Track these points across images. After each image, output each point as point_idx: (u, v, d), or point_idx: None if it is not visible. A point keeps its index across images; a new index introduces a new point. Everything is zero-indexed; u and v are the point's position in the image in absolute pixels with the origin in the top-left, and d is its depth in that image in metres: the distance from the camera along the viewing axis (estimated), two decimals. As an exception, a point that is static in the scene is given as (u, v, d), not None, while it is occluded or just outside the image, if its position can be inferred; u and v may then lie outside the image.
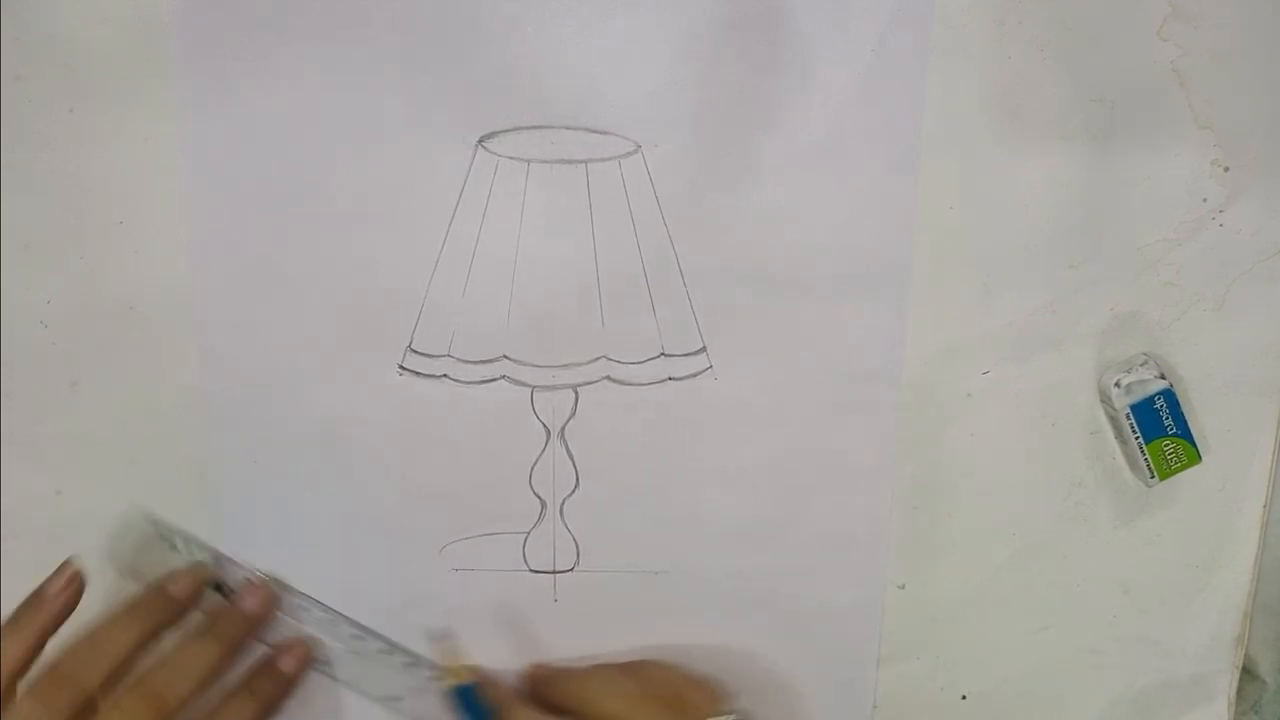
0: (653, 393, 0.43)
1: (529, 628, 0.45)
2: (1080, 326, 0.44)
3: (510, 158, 0.41)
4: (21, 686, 0.38)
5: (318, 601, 0.44)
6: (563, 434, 0.43)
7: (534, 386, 0.43)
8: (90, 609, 0.43)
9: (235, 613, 0.43)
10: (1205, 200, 0.42)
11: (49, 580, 0.40)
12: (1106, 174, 0.42)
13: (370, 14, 0.39)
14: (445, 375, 0.43)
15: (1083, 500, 0.45)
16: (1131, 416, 0.43)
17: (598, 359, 0.43)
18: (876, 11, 0.40)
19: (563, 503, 0.44)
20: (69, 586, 0.40)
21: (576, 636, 0.45)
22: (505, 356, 0.42)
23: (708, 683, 0.43)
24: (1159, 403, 0.43)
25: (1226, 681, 0.48)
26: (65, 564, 0.40)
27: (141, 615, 0.40)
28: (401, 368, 0.42)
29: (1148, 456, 0.44)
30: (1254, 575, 0.47)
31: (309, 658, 0.44)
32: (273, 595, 0.44)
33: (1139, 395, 0.43)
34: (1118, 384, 0.43)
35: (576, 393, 0.43)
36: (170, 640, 0.41)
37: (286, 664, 0.43)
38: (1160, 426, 0.43)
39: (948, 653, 0.47)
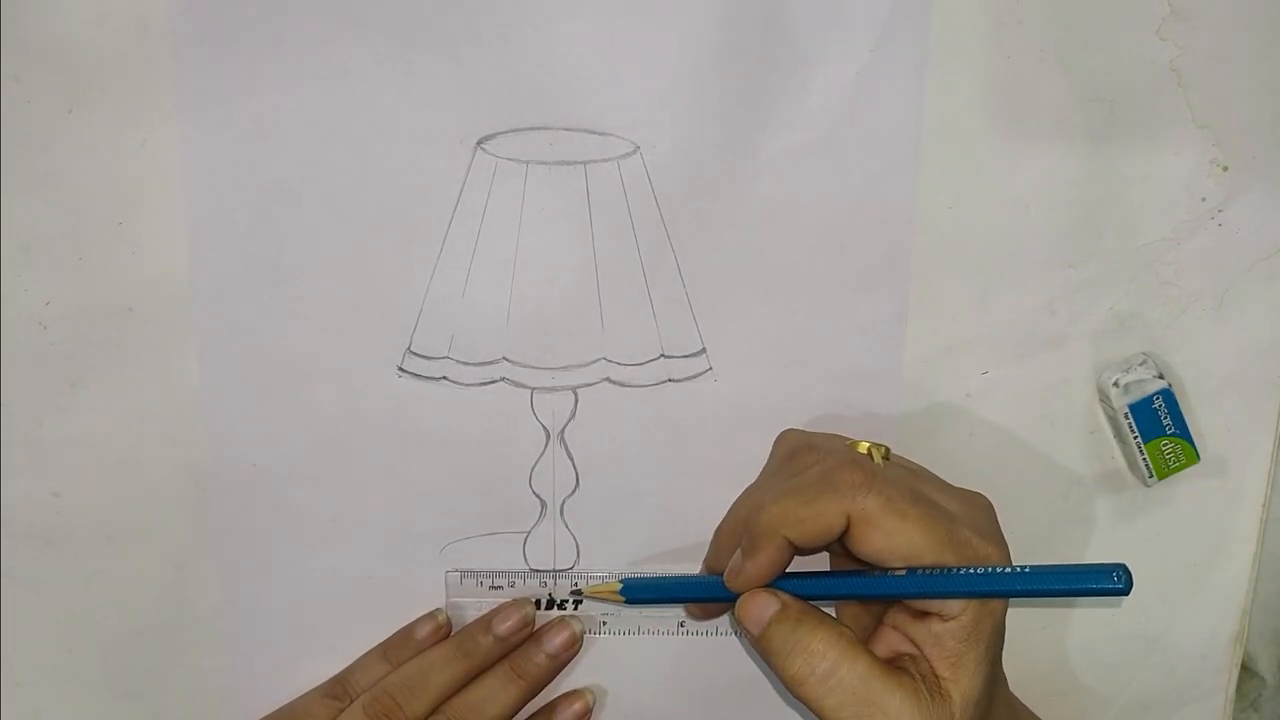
0: (653, 394, 0.43)
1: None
2: (1079, 326, 0.44)
3: (509, 159, 0.41)
4: (359, 701, 0.42)
5: None
6: (563, 435, 0.43)
7: (534, 388, 0.43)
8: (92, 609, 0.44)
9: (540, 652, 0.43)
10: (1204, 200, 0.42)
11: (420, 623, 0.44)
12: (1105, 173, 0.42)
13: (369, 15, 0.39)
14: (444, 377, 0.43)
15: (1081, 500, 0.45)
16: (1130, 416, 0.43)
17: (597, 361, 0.43)
18: (875, 11, 0.40)
19: (563, 503, 0.44)
20: (436, 634, 0.44)
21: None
22: (505, 358, 0.42)
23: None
24: (1157, 402, 0.43)
25: (1225, 679, 0.48)
26: (436, 613, 0.44)
27: (468, 652, 0.42)
28: (401, 370, 0.42)
29: (1146, 456, 0.44)
30: (1253, 573, 0.47)
31: (576, 639, 0.44)
32: (577, 636, 0.44)
33: (1137, 395, 0.43)
34: (1116, 384, 0.43)
35: (576, 394, 0.43)
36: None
37: (552, 645, 0.43)
38: (1159, 426, 0.43)
39: (947, 651, 0.47)
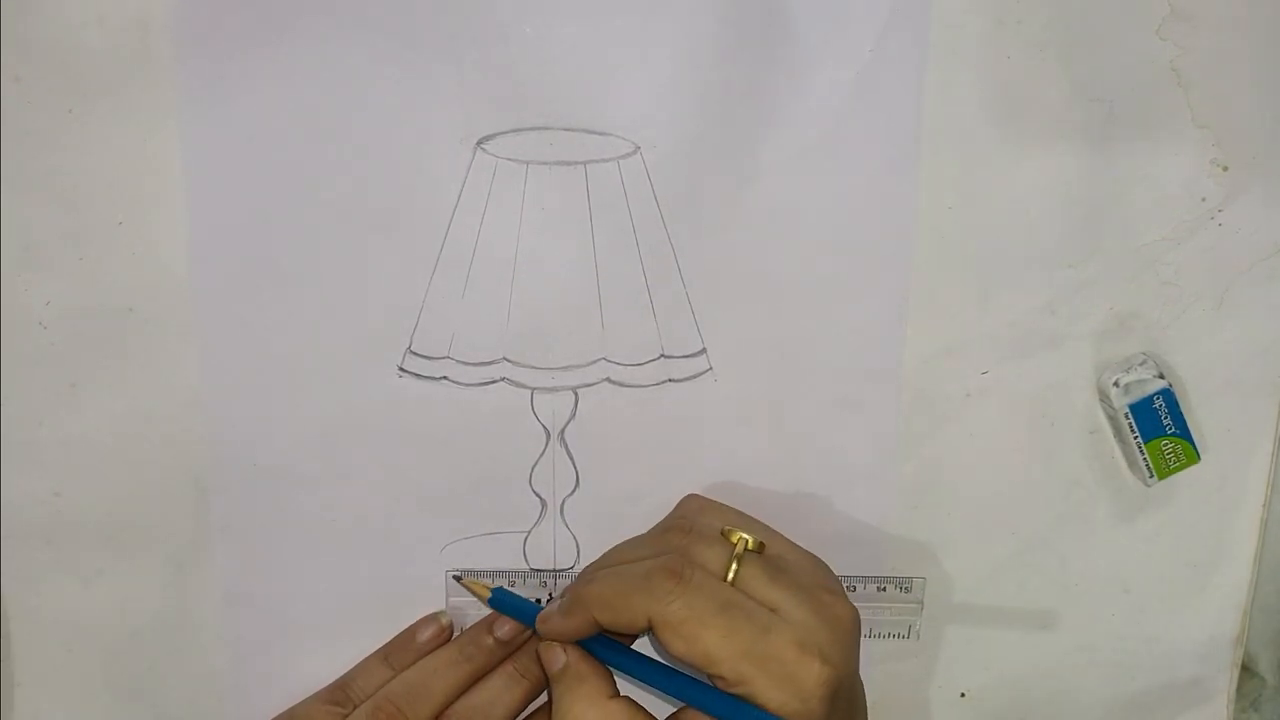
0: (653, 394, 0.43)
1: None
2: (1079, 326, 0.44)
3: (509, 159, 0.41)
4: (362, 709, 0.41)
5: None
6: (563, 435, 0.43)
7: (534, 388, 0.43)
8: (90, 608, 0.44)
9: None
10: (1204, 200, 0.42)
11: (422, 626, 0.44)
12: (1105, 173, 0.42)
13: (369, 15, 0.39)
14: (445, 377, 0.43)
15: (1081, 500, 0.45)
16: (1130, 416, 0.43)
17: (597, 361, 0.43)
18: (875, 11, 0.40)
19: (563, 502, 0.44)
20: (438, 636, 0.44)
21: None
22: (505, 359, 0.43)
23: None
24: (1158, 402, 0.43)
25: (1226, 680, 0.48)
26: (439, 615, 0.44)
27: (470, 655, 0.43)
28: (401, 370, 0.42)
29: (1146, 456, 0.44)
30: (1253, 574, 0.47)
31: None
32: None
33: (1138, 395, 0.43)
34: (1116, 383, 0.43)
35: (576, 395, 0.43)
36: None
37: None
38: (1159, 426, 0.43)
39: (946, 651, 0.47)
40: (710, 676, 0.37)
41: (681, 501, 0.44)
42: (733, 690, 0.36)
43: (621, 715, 0.37)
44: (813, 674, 0.36)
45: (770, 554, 0.39)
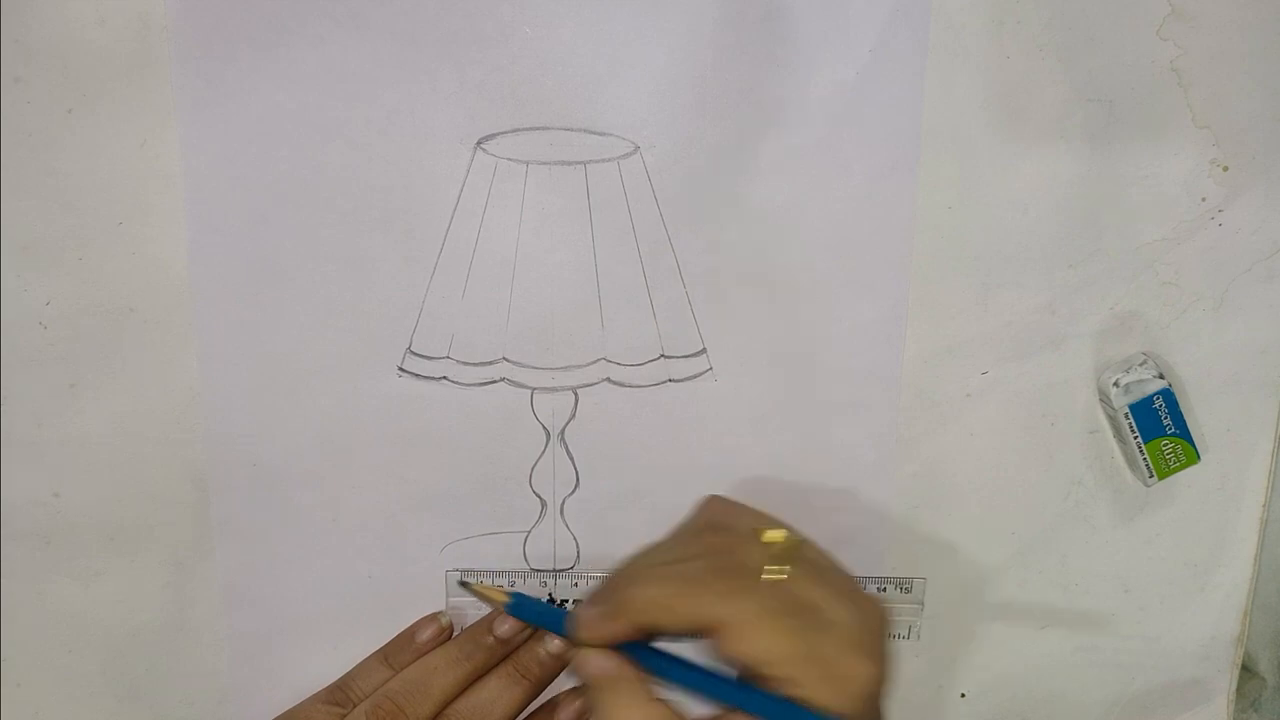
0: (653, 394, 0.43)
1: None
2: (1079, 326, 0.44)
3: (509, 159, 0.41)
4: (362, 707, 0.41)
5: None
6: (563, 435, 0.43)
7: (534, 388, 0.43)
8: (93, 609, 0.44)
9: (543, 651, 0.42)
10: (1204, 200, 0.42)
11: (421, 626, 0.44)
12: (1105, 173, 0.42)
13: (369, 15, 0.39)
14: (445, 377, 0.43)
15: (1082, 500, 0.45)
16: (1130, 416, 0.43)
17: (597, 361, 0.43)
18: (875, 11, 0.40)
19: (563, 502, 0.44)
20: (438, 636, 0.44)
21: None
22: (505, 359, 0.43)
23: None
24: (1158, 402, 0.43)
25: (1226, 680, 0.48)
26: (438, 615, 0.44)
27: (470, 654, 0.42)
28: (401, 369, 0.42)
29: (1146, 456, 0.44)
30: (1253, 574, 0.47)
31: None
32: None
33: (1138, 395, 0.43)
34: (1116, 384, 0.43)
35: (576, 395, 0.43)
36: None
37: (554, 644, 0.43)
38: (1159, 426, 0.43)
39: (946, 651, 0.47)
40: (758, 677, 0.36)
41: (706, 502, 0.42)
42: (782, 690, 0.35)
43: (665, 719, 0.36)
44: (863, 673, 0.35)
45: (808, 554, 0.39)
